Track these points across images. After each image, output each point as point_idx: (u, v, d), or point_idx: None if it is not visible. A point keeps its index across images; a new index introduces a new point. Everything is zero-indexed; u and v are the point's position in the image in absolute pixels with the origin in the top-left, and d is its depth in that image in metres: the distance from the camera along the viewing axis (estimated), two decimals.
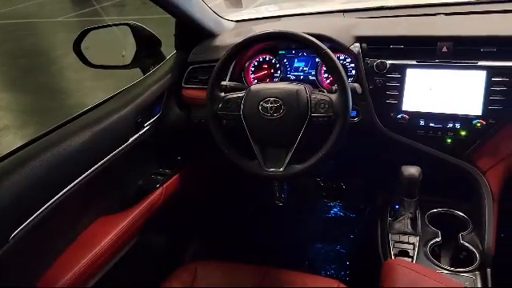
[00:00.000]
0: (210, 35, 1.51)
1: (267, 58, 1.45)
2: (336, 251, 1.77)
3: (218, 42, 1.48)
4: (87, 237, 1.15)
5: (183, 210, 1.62)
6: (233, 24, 1.64)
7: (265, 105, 1.11)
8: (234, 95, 1.18)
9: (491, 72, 1.10)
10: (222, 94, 1.20)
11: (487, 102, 1.11)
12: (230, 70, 1.37)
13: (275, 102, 1.10)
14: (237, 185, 1.87)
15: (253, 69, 1.46)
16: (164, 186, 1.37)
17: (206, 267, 1.19)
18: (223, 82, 1.23)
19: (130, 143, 1.27)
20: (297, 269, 1.16)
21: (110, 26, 1.51)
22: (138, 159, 1.37)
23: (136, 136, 1.30)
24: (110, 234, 1.14)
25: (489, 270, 1.06)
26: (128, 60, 1.49)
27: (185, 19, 1.39)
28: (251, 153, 1.15)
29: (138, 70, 1.53)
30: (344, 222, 1.89)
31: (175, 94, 1.46)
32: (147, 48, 1.50)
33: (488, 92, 1.11)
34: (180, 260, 1.65)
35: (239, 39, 1.17)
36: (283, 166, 1.11)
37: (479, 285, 1.03)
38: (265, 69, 1.45)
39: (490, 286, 1.02)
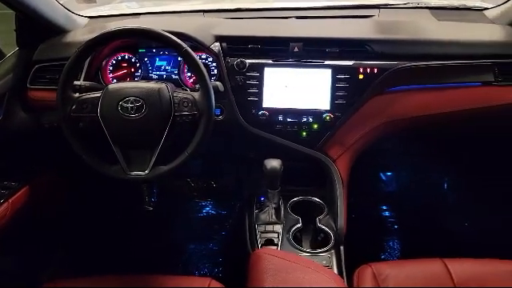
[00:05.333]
0: (59, 31, 1.38)
1: (126, 57, 1.38)
2: (209, 249, 1.78)
3: (69, 38, 1.36)
4: None
5: (38, 226, 1.45)
6: (86, 20, 1.53)
7: (125, 105, 1.06)
8: (90, 95, 1.10)
9: (335, 70, 1.23)
10: (76, 95, 1.10)
11: (333, 97, 1.24)
12: (85, 68, 1.27)
13: (136, 101, 1.06)
14: (100, 192, 1.75)
15: (111, 68, 1.38)
16: (10, 200, 1.20)
17: (67, 285, 1.08)
18: (77, 82, 1.14)
19: None
20: (171, 272, 1.13)
21: None
22: None
23: None
24: None
25: (342, 247, 1.18)
26: None
27: (27, 13, 1.24)
28: (113, 156, 1.09)
29: None
30: (216, 219, 1.92)
31: (19, 95, 1.30)
32: None
33: (334, 88, 1.24)
34: (38, 282, 1.47)
35: (92, 36, 1.09)
36: (148, 168, 1.08)
37: (334, 261, 1.14)
38: (124, 68, 1.39)
39: (343, 261, 1.14)
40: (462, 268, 1.05)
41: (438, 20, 1.42)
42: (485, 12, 1.44)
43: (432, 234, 1.67)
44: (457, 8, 1.50)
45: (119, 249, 1.73)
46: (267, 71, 1.26)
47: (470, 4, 1.50)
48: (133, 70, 1.39)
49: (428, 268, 1.07)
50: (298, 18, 1.46)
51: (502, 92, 1.23)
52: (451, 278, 1.02)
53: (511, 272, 1.02)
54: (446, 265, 1.05)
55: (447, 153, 1.76)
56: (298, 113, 1.27)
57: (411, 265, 1.10)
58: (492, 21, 1.38)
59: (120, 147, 1.08)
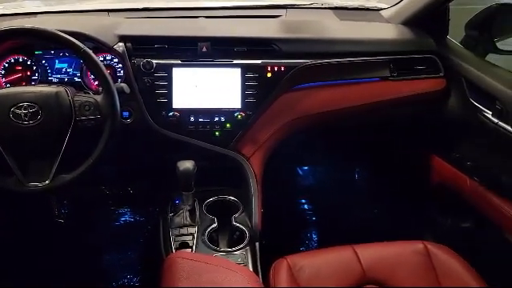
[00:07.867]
0: None
1: (20, 59, 1.27)
2: (127, 258, 1.72)
3: None
4: None
5: None
6: None
7: (17, 111, 0.99)
8: None
9: (244, 69, 1.25)
10: None
11: (244, 95, 1.26)
12: None
13: (30, 107, 0.99)
14: (8, 206, 1.60)
15: (3, 72, 1.26)
16: None
17: None
18: None
19: None
20: (89, 284, 1.07)
21: None
22: None
23: None
24: None
25: (257, 243, 1.20)
26: None
27: None
28: (8, 167, 1.00)
29: None
30: (134, 226, 1.85)
31: None
32: None
33: (244, 87, 1.25)
34: None
35: None
36: (49, 178, 1.02)
37: (249, 258, 1.15)
38: (19, 71, 1.27)
39: (258, 257, 1.16)
40: (369, 252, 1.12)
41: (340, 20, 1.50)
42: (381, 12, 1.55)
43: (345, 223, 1.77)
44: (356, 8, 1.60)
45: (33, 264, 1.60)
46: (176, 71, 1.24)
47: (368, 5, 1.61)
48: (29, 73, 1.28)
49: (339, 255, 1.13)
50: (206, 17, 1.46)
51: (396, 86, 1.34)
52: (359, 262, 1.09)
53: (411, 251, 1.11)
54: (355, 250, 1.12)
55: (355, 148, 1.87)
56: (209, 112, 1.27)
57: (324, 253, 1.15)
58: (387, 20, 1.49)
59: (14, 157, 1.01)
